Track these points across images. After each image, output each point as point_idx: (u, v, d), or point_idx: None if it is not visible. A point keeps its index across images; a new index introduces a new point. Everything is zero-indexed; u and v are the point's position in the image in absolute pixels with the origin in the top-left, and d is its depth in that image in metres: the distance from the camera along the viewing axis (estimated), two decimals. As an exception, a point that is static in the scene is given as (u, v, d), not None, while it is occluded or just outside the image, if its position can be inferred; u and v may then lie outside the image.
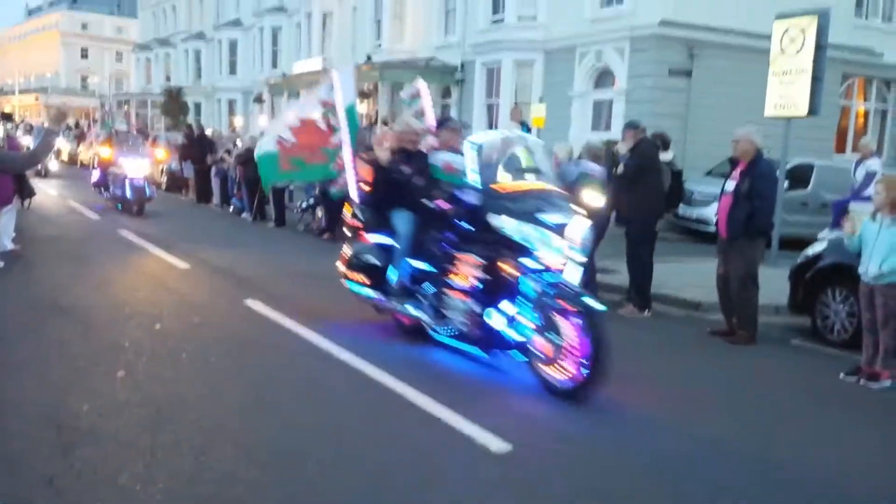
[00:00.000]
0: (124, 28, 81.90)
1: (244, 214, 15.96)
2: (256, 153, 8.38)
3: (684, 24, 18.67)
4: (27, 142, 19.13)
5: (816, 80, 11.12)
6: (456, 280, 5.93)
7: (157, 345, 6.19)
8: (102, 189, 16.72)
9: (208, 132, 21.43)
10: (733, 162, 7.82)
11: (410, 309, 6.36)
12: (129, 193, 15.05)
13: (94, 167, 18.74)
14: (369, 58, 27.16)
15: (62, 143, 31.12)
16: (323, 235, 13.13)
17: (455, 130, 6.96)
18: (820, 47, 11.07)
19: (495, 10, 23.28)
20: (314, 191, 13.93)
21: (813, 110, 11.24)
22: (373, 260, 6.73)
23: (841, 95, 21.67)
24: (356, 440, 4.43)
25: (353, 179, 7.30)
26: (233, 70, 41.82)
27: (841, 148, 21.79)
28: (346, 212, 7.49)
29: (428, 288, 6.20)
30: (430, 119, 7.64)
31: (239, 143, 17.90)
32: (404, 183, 6.53)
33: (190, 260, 10.24)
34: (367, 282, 6.75)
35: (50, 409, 4.62)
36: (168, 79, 48.49)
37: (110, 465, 3.91)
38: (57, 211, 15.68)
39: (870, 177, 11.05)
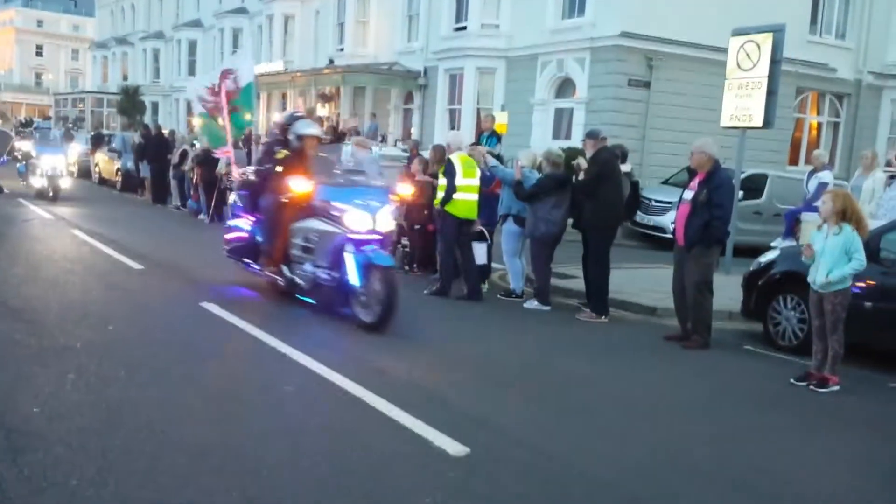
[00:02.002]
0: (81, 26, 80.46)
1: (201, 216, 15.75)
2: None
3: (644, 36, 18.98)
4: None
5: (771, 93, 11.37)
6: None
7: (110, 347, 6.07)
8: (254, 261, 8.43)
9: (166, 132, 21.10)
10: (691, 171, 7.96)
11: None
12: (355, 279, 7.18)
13: (230, 212, 9.84)
14: (331, 61, 27.06)
15: (75, 147, 24.48)
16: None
17: None
18: (775, 62, 11.32)
19: (458, 17, 23.38)
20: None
21: (767, 122, 11.49)
22: None
23: (795, 108, 22.22)
24: (312, 444, 4.39)
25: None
26: (192, 70, 41.27)
27: (794, 159, 22.33)
28: None
29: None
30: None
31: (197, 144, 17.67)
32: None
33: (144, 261, 10.07)
34: None
35: (-3, 412, 4.50)
36: (125, 78, 47.74)
37: (61, 470, 3.82)
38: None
39: (822, 188, 11.30)
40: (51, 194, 16.66)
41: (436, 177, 10.05)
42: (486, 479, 4.08)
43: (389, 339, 6.98)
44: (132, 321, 7.00)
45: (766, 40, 11.32)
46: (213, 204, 15.27)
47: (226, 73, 11.64)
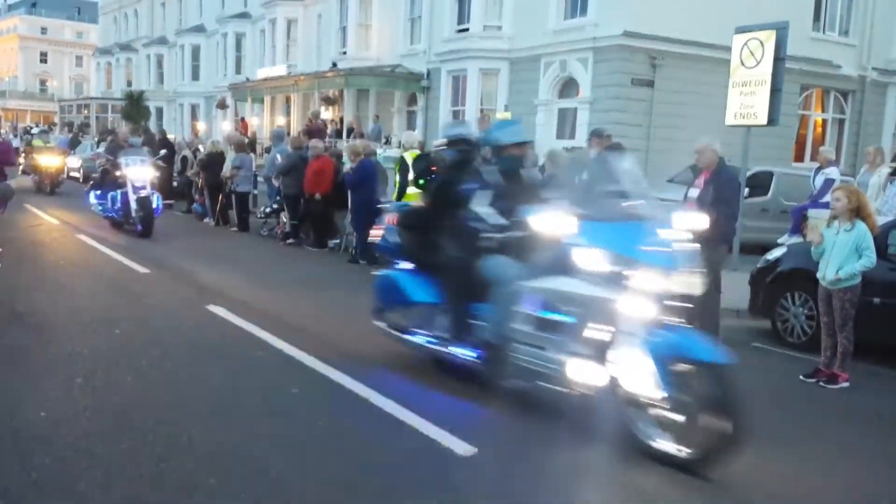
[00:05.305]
0: (84, 32, 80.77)
1: (206, 219, 15.77)
2: None
3: (646, 35, 18.93)
4: None
5: (775, 91, 11.32)
6: None
7: (116, 351, 6.06)
8: None
9: (172, 137, 21.12)
10: (696, 170, 7.93)
11: None
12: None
13: None
14: (335, 64, 27.10)
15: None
16: (287, 241, 13.02)
17: None
18: (778, 59, 11.28)
19: (461, 19, 23.36)
20: (278, 196, 13.82)
21: (772, 120, 11.45)
22: None
23: (800, 105, 22.14)
24: (320, 446, 4.38)
25: None
26: (195, 75, 41.38)
27: (800, 156, 22.24)
28: None
29: None
30: None
31: (201, 147, 17.70)
32: None
33: (150, 265, 10.07)
34: None
35: (5, 417, 4.50)
36: (129, 83, 47.89)
37: (68, 474, 3.81)
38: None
39: (828, 184, 11.27)
40: None
41: None
42: (494, 479, 4.06)
43: (394, 341, 6.96)
44: (139, 325, 6.99)
45: (770, 38, 11.29)
46: (218, 207, 15.29)
47: None
